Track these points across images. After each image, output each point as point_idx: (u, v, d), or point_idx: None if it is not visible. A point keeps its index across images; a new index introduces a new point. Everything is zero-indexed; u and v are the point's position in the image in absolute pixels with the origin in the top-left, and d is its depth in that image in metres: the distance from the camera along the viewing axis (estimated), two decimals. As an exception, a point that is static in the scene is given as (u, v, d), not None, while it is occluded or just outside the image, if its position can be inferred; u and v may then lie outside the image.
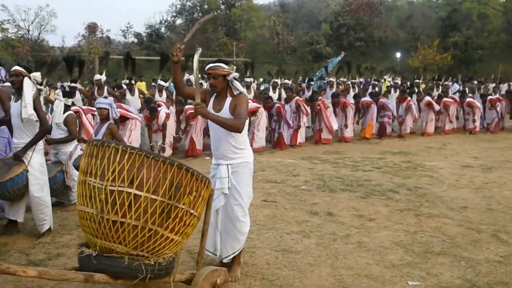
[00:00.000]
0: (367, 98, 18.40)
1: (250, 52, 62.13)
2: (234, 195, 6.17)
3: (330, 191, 10.58)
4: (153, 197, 4.87)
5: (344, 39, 62.32)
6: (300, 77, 34.18)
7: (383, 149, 16.30)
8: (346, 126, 17.42)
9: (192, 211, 5.16)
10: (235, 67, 6.20)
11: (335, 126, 17.18)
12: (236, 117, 5.84)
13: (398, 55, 56.09)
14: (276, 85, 19.37)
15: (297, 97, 16.68)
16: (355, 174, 12.40)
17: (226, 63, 6.05)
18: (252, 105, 14.76)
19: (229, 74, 6.04)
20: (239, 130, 5.76)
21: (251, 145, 11.64)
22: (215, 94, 6.18)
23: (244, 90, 6.16)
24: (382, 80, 26.77)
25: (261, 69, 48.41)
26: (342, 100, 17.52)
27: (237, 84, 6.04)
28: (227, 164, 6.09)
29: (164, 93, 16.00)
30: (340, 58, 23.88)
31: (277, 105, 16.00)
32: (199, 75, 16.02)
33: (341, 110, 17.45)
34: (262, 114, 15.30)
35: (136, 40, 68.17)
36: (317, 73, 24.69)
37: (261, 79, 33.76)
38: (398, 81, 23.42)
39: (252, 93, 17.91)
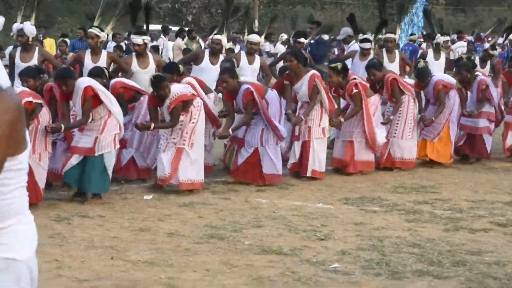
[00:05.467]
0: (445, 78, 11.14)
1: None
2: None
3: (393, 277, 5.92)
4: None
5: None
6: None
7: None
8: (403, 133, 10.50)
9: None
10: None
11: (380, 137, 10.19)
12: None
13: None
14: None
15: (313, 71, 10.01)
16: (451, 237, 7.13)
17: None
18: (179, 89, 8.82)
19: None
20: None
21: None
22: None
23: None
24: None
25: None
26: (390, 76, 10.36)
27: None
28: None
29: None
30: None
31: (245, 87, 9.41)
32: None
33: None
34: (199, 110, 9.02)
35: None
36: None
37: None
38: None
39: (258, 63, 11.33)
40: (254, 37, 11.23)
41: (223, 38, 10.97)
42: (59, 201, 8.20)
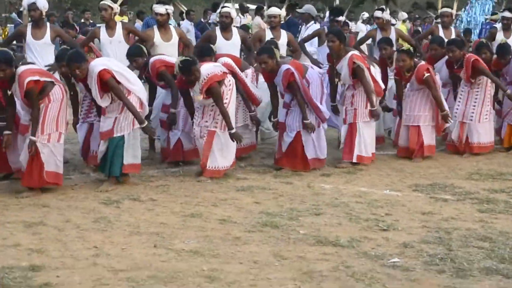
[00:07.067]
0: None
1: None
2: None
3: (457, 274, 5.34)
4: None
5: None
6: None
7: None
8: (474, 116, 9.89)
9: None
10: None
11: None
12: None
13: None
14: None
15: (353, 52, 9.40)
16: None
17: None
18: (209, 69, 8.34)
19: None
20: None
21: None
22: None
23: None
24: None
25: None
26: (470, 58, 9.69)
27: None
28: None
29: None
30: None
31: (285, 68, 8.88)
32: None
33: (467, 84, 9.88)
34: (231, 90, 8.57)
35: None
36: None
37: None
38: None
39: (285, 38, 10.82)
40: (273, 10, 10.62)
41: (231, 10, 10.24)
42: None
